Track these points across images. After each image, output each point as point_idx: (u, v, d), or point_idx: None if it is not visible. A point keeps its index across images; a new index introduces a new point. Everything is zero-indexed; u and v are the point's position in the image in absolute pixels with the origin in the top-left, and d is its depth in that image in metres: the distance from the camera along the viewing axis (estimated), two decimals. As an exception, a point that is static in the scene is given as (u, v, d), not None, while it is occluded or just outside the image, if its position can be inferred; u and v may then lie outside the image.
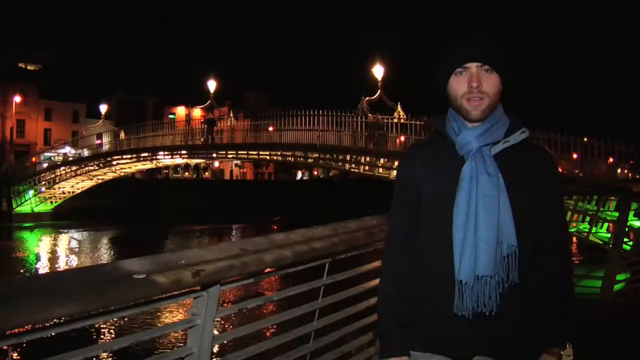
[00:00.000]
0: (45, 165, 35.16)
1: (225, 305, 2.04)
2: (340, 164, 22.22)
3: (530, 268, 1.36)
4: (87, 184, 33.87)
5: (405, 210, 1.47)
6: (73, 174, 32.53)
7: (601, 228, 11.58)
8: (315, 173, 60.85)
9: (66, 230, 28.38)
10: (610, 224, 11.05)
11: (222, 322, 8.82)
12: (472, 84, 1.36)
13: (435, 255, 1.40)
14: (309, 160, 23.23)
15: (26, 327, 1.14)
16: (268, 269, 1.81)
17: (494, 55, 1.38)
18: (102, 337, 9.29)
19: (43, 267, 18.52)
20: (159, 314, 10.39)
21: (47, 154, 38.53)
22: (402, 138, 19.15)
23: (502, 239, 1.31)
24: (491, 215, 1.31)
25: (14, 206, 32.62)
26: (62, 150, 37.72)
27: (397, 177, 1.51)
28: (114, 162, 31.32)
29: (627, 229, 7.14)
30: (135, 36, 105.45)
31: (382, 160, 19.85)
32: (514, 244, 1.31)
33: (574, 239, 15.03)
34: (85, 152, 33.95)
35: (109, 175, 33.50)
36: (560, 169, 15.11)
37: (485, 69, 1.37)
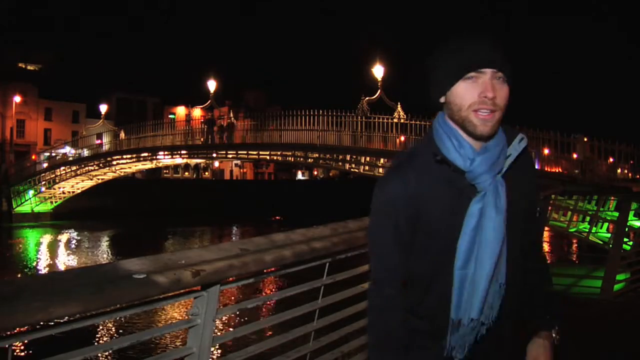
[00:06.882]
0: (45, 165, 35.16)
1: (225, 305, 2.03)
2: (340, 164, 22.24)
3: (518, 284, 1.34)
4: (87, 184, 33.90)
5: (399, 246, 1.29)
6: (73, 174, 32.56)
7: (601, 228, 11.57)
8: (315, 173, 60.84)
9: (66, 230, 28.36)
10: (610, 224, 11.05)
11: (222, 322, 8.82)
12: (487, 94, 1.17)
13: (430, 290, 1.32)
14: (309, 160, 23.24)
15: (26, 327, 1.14)
16: (268, 269, 1.81)
17: (509, 63, 1.21)
18: (102, 337, 9.29)
19: (43, 267, 18.52)
20: (159, 314, 10.40)
21: (47, 154, 38.53)
22: (402, 138, 19.16)
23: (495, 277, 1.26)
24: (492, 257, 1.23)
25: (14, 206, 32.66)
26: (62, 150, 37.68)
27: (385, 196, 1.29)
28: (114, 162, 31.33)
29: (627, 229, 7.15)
30: (135, 35, 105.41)
31: (382, 160, 19.86)
32: (502, 282, 1.26)
33: (574, 240, 15.04)
34: (85, 152, 33.95)
35: (109, 175, 33.52)
36: (560, 169, 15.13)
37: (498, 77, 1.19)
